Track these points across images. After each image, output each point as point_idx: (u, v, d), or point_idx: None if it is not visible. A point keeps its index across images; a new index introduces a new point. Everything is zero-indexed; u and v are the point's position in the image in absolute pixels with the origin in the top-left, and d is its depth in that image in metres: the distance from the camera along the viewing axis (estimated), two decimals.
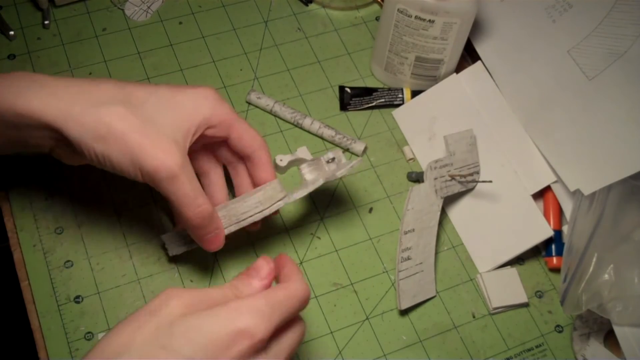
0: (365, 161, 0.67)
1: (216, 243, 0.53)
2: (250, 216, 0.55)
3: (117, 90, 0.48)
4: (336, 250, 0.62)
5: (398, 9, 0.63)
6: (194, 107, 0.50)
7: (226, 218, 0.55)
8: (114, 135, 0.46)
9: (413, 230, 0.59)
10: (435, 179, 0.61)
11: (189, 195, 0.49)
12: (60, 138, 0.48)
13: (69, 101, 0.46)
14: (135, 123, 0.46)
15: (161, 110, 0.48)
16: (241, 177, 0.58)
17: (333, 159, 0.58)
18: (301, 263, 0.61)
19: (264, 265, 0.46)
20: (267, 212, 0.55)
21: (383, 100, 0.70)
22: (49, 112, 0.46)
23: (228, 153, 0.57)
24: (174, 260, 0.60)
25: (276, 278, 0.47)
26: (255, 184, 0.57)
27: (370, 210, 0.62)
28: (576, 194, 0.61)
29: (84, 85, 0.48)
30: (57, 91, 0.47)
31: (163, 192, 0.49)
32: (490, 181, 0.62)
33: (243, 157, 0.56)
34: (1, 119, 0.47)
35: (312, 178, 0.57)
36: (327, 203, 0.64)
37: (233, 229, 0.55)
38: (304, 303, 0.45)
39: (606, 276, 0.56)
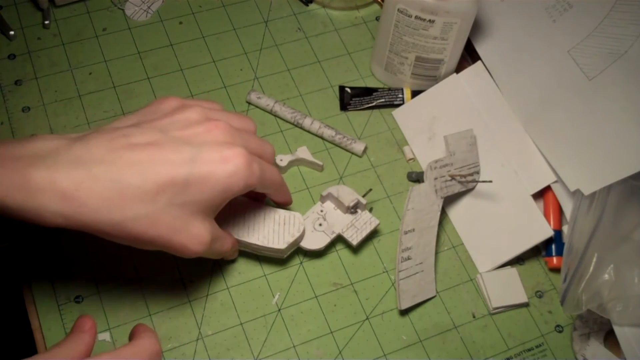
0: (365, 161, 0.67)
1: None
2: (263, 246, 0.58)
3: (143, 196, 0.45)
4: (336, 250, 0.62)
5: (398, 9, 0.63)
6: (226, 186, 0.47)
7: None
8: (144, 241, 0.46)
9: (413, 230, 0.59)
10: (436, 179, 0.61)
11: (228, 249, 0.54)
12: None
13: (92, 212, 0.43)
14: (162, 229, 0.46)
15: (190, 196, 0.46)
16: None
17: (356, 209, 0.61)
18: (301, 263, 0.61)
19: (86, 320, 0.46)
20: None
21: (383, 100, 0.70)
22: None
23: None
24: (174, 260, 0.60)
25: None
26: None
27: (371, 210, 0.62)
28: (576, 194, 0.61)
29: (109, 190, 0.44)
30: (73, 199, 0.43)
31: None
32: (490, 181, 0.62)
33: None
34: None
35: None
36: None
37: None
38: (155, 358, 0.45)
39: (606, 276, 0.56)
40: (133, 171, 0.44)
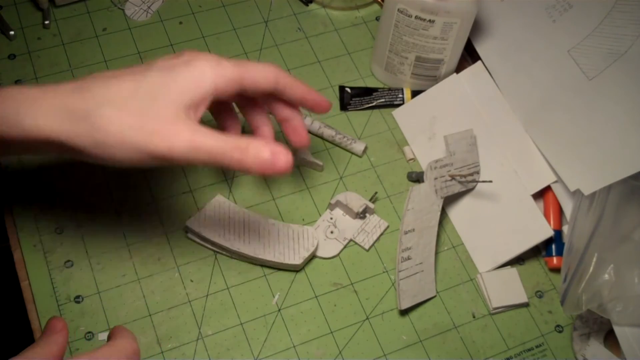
0: (365, 161, 0.67)
1: (279, 164, 0.48)
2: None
3: (103, 91, 0.46)
4: None
5: (398, 9, 0.63)
6: (191, 85, 0.48)
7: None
8: (114, 137, 0.45)
9: (413, 230, 0.59)
10: (436, 179, 0.61)
11: (220, 148, 0.47)
12: (65, 148, 0.47)
13: (63, 115, 0.45)
14: (129, 119, 0.45)
15: (155, 96, 0.47)
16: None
17: (364, 213, 0.63)
18: None
19: (57, 321, 0.46)
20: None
21: (383, 100, 0.70)
22: (48, 129, 0.45)
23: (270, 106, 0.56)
24: (174, 260, 0.60)
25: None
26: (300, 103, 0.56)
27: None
28: (576, 194, 0.61)
29: (68, 93, 0.46)
30: (49, 105, 0.45)
31: (200, 164, 0.48)
32: (490, 181, 0.62)
33: (275, 96, 0.55)
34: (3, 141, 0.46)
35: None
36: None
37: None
38: (133, 358, 0.45)
39: (606, 276, 0.56)
40: (97, 86, 0.46)
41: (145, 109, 0.46)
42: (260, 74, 0.51)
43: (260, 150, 0.47)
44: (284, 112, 0.56)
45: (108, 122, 0.45)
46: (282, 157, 0.47)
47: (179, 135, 0.46)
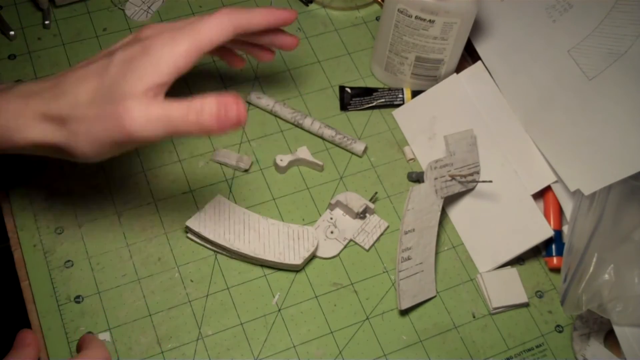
0: (365, 161, 0.67)
1: (234, 112, 0.49)
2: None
3: (74, 93, 0.49)
4: None
5: (398, 9, 0.63)
6: (149, 73, 0.49)
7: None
8: (84, 137, 0.49)
9: (413, 230, 0.59)
10: (436, 179, 0.61)
11: (177, 116, 0.49)
12: (50, 150, 0.51)
13: (46, 125, 0.49)
14: (92, 117, 0.48)
15: (114, 90, 0.48)
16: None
17: (364, 213, 0.63)
18: None
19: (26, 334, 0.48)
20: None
21: (383, 100, 0.70)
22: (35, 139, 0.50)
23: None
24: (174, 260, 0.60)
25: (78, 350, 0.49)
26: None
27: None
28: (576, 194, 0.61)
29: (48, 100, 0.50)
30: (33, 117, 0.49)
31: (164, 136, 0.49)
32: (490, 181, 0.62)
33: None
34: None
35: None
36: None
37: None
38: None
39: (606, 276, 0.56)
40: (66, 83, 0.50)
41: (105, 104, 0.48)
42: (215, 34, 0.52)
43: (213, 107, 0.48)
44: (260, 40, 0.59)
45: (78, 124, 0.48)
46: (234, 107, 0.49)
47: (133, 114, 0.47)
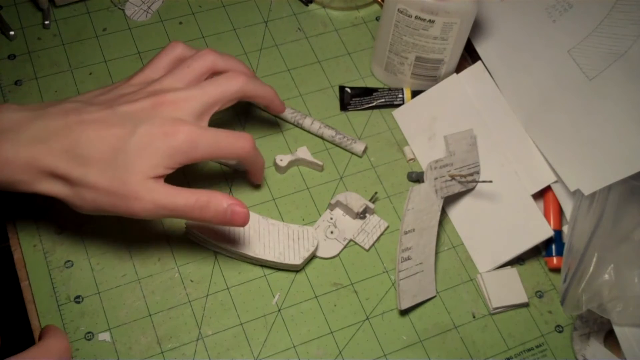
0: (365, 161, 0.67)
1: (237, 217, 0.53)
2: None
3: (89, 151, 0.50)
4: None
5: (398, 9, 0.63)
6: (165, 157, 0.51)
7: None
8: (90, 203, 0.51)
9: (413, 230, 0.59)
10: (436, 179, 0.61)
11: (182, 207, 0.52)
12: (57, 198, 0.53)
13: (58, 183, 0.51)
14: (103, 187, 0.50)
15: (129, 166, 0.50)
16: None
17: (364, 214, 0.63)
18: None
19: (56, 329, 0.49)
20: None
21: (383, 100, 0.70)
22: (47, 192, 0.52)
23: None
24: (174, 260, 0.60)
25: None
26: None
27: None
28: (576, 194, 0.61)
29: (60, 156, 0.50)
30: (45, 172, 0.51)
31: (167, 217, 0.53)
32: (490, 181, 0.62)
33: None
34: None
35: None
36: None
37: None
38: (64, 354, 0.46)
39: (606, 276, 0.56)
40: (81, 143, 0.50)
41: (117, 177, 0.50)
42: (232, 152, 0.55)
43: (219, 206, 0.52)
44: (263, 103, 0.62)
45: (85, 191, 0.50)
46: (238, 209, 0.52)
47: (142, 200, 0.50)
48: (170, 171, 0.52)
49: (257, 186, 0.64)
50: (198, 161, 0.54)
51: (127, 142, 0.50)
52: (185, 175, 0.64)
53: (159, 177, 0.51)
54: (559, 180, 0.62)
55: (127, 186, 0.50)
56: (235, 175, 0.65)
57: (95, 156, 0.50)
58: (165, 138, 0.51)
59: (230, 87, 0.56)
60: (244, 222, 0.53)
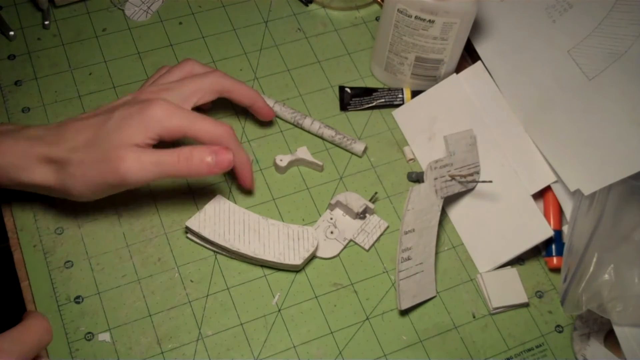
0: (365, 161, 0.67)
1: (222, 162, 0.56)
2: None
3: (73, 139, 0.55)
4: None
5: (398, 9, 0.63)
6: (141, 130, 0.54)
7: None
8: (80, 179, 0.54)
9: (413, 230, 0.59)
10: (436, 179, 0.61)
11: (167, 161, 0.54)
12: (49, 190, 0.56)
13: (49, 167, 0.55)
14: (89, 162, 0.54)
15: (109, 140, 0.54)
16: None
17: (364, 214, 0.63)
18: None
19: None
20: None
21: (383, 100, 0.70)
22: (39, 179, 0.55)
23: None
24: (174, 260, 0.60)
25: None
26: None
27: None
28: (576, 194, 0.61)
29: (50, 144, 0.55)
30: (38, 159, 0.55)
31: (155, 179, 0.55)
32: (490, 181, 0.62)
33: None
34: None
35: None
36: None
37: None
38: (44, 336, 0.46)
39: (606, 276, 0.56)
40: (68, 134, 0.56)
41: (101, 150, 0.54)
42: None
43: (203, 154, 0.55)
44: (246, 103, 0.64)
45: (75, 167, 0.54)
46: (222, 152, 0.55)
47: (127, 159, 0.53)
48: (150, 141, 0.54)
49: (249, 192, 0.64)
50: (175, 135, 0.55)
51: (107, 123, 0.55)
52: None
53: (140, 145, 0.54)
54: (559, 180, 0.62)
55: (110, 152, 0.53)
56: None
57: (81, 141, 0.54)
58: (141, 111, 0.55)
59: (206, 79, 0.60)
60: (228, 165, 0.56)
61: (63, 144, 0.55)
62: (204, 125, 0.56)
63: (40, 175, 0.55)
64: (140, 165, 0.53)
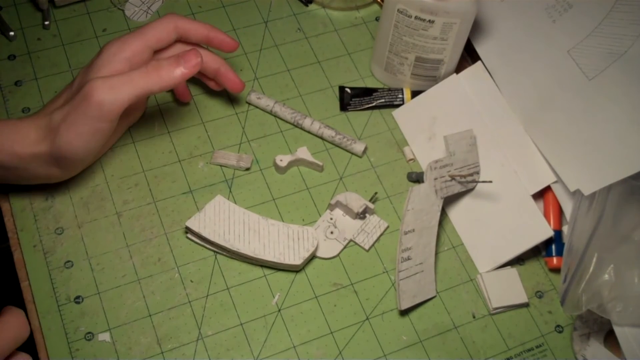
0: (365, 161, 0.67)
1: (191, 62, 0.58)
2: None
3: (57, 114, 0.56)
4: None
5: (398, 9, 0.63)
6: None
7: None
8: (66, 135, 0.55)
9: (413, 230, 0.59)
10: (435, 179, 0.61)
11: (138, 77, 0.56)
12: (45, 157, 0.57)
13: (41, 134, 0.56)
14: (67, 108, 0.55)
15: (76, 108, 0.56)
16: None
17: (364, 214, 0.63)
18: None
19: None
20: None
21: (383, 100, 0.70)
22: (36, 147, 0.56)
23: None
24: (174, 260, 0.60)
25: None
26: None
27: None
28: (576, 194, 0.61)
29: (44, 118, 0.57)
30: (34, 129, 0.57)
31: (134, 99, 0.56)
32: (490, 181, 0.62)
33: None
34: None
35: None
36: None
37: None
38: (21, 331, 0.47)
39: (606, 276, 0.56)
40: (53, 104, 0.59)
41: (75, 95, 0.56)
42: (159, 31, 0.60)
43: (171, 59, 0.57)
44: (210, 66, 0.64)
45: (59, 124, 0.55)
46: (191, 54, 0.57)
47: (99, 87, 0.54)
48: (119, 65, 0.57)
49: (240, 92, 0.66)
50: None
51: (74, 79, 0.59)
52: (185, 174, 0.64)
53: (109, 73, 0.56)
54: (559, 180, 0.62)
55: (84, 91, 0.55)
56: (235, 175, 0.65)
57: (58, 100, 0.59)
58: (99, 56, 0.58)
59: (160, 20, 0.61)
60: (197, 62, 0.57)
61: (45, 110, 0.58)
62: (155, 29, 0.59)
63: (32, 143, 0.56)
64: (111, 85, 0.54)
